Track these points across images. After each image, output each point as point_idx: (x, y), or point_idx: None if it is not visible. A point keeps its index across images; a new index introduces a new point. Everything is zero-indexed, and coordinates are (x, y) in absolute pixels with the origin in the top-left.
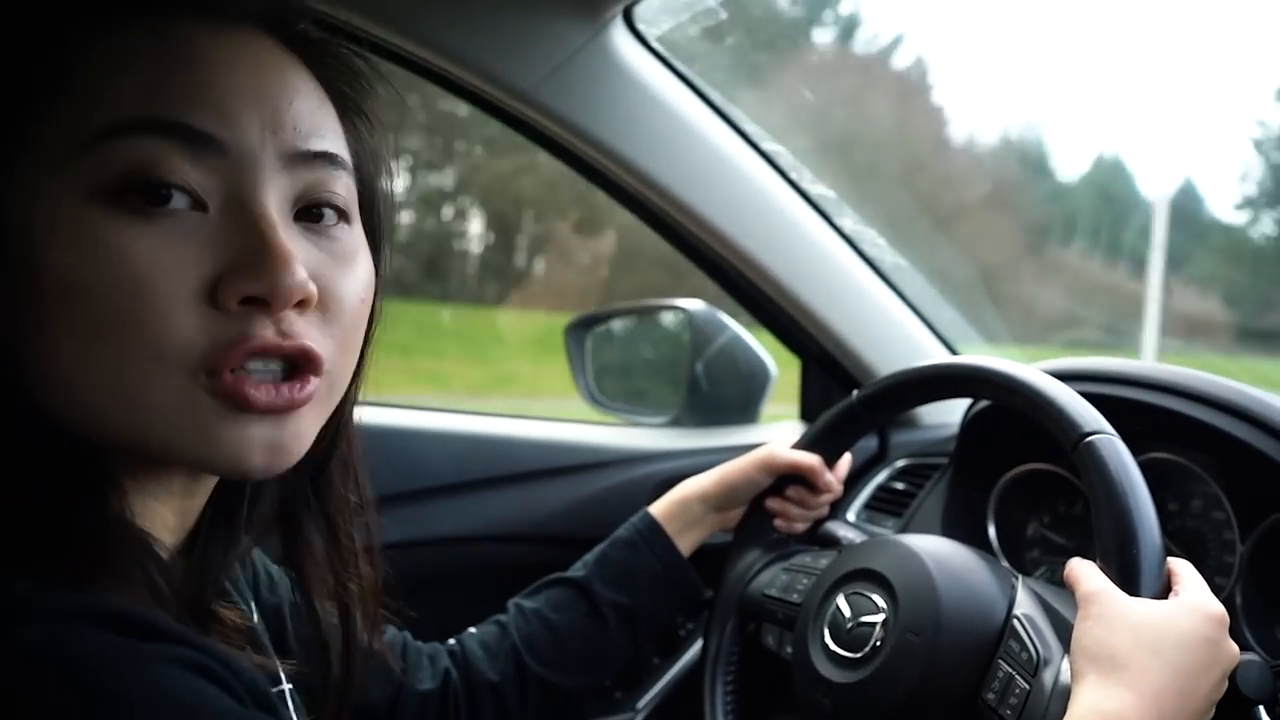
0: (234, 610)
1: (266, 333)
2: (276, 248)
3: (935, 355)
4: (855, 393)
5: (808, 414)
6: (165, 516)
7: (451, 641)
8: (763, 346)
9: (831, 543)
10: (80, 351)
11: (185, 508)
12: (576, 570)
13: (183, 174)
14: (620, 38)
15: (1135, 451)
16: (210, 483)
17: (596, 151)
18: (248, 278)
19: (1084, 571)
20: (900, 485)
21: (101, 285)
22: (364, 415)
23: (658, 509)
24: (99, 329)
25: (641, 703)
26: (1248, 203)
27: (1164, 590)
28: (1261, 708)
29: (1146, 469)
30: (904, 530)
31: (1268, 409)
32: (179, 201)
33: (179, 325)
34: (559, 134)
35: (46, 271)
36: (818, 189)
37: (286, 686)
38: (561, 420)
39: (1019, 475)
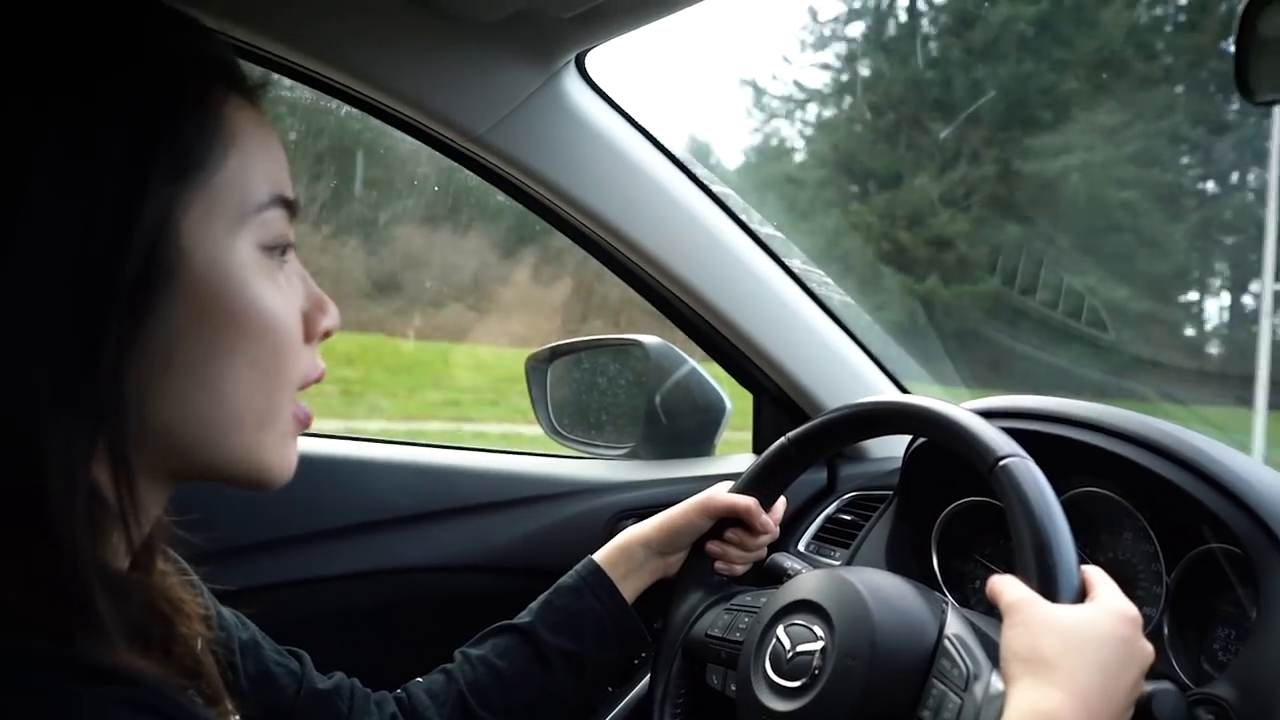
0: (189, 640)
1: (321, 362)
2: (322, 292)
3: (882, 391)
4: (787, 435)
5: (760, 447)
6: (124, 548)
7: (399, 691)
8: (718, 382)
9: (779, 574)
10: (245, 373)
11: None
12: (522, 618)
13: (290, 236)
14: (572, 83)
15: (1065, 485)
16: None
17: (549, 193)
18: (325, 317)
19: (1005, 584)
20: (848, 517)
21: (274, 322)
22: (317, 446)
23: (602, 556)
24: (271, 358)
25: None
26: None
27: (1080, 596)
28: None
29: (1078, 502)
30: (850, 561)
31: (1179, 444)
32: (286, 257)
33: (302, 359)
34: (511, 175)
35: (240, 305)
36: (766, 230)
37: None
38: (520, 452)
39: (960, 508)
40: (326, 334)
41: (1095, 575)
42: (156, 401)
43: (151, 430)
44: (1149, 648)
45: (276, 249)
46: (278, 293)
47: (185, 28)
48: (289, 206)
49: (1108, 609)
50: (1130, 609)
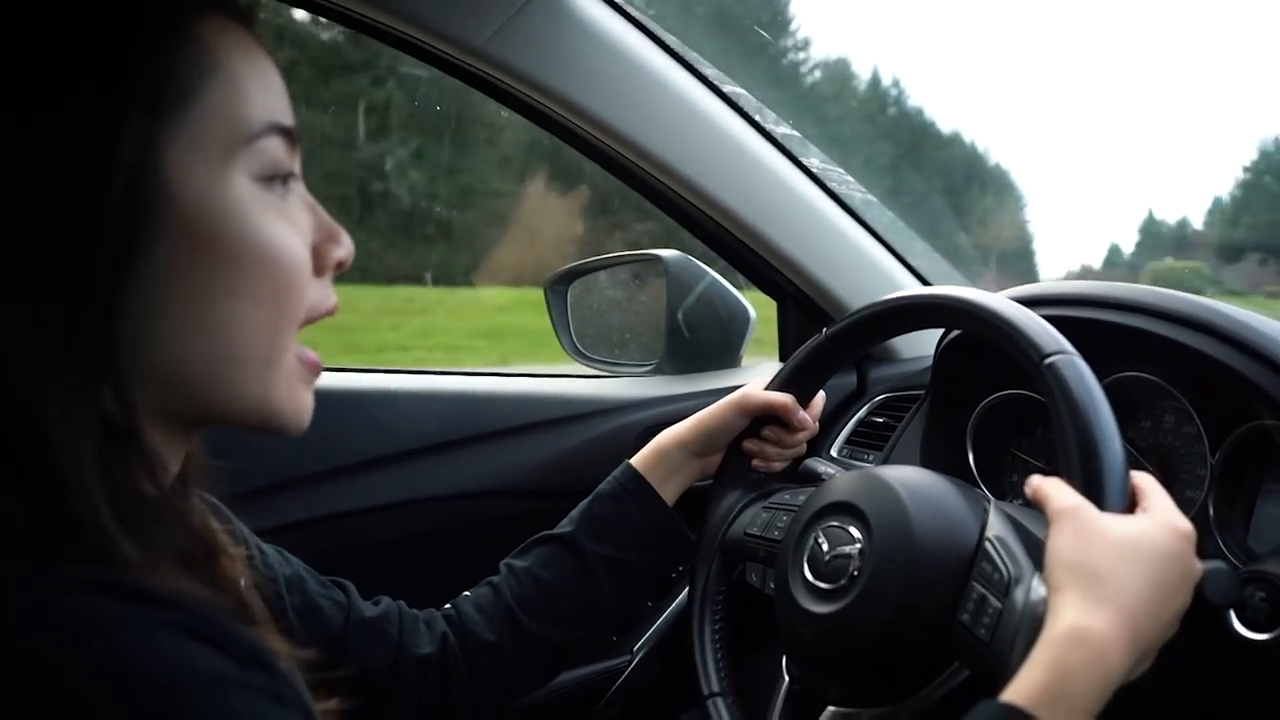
0: (232, 578)
1: (333, 295)
2: (333, 220)
3: (908, 288)
4: (825, 330)
5: (786, 354)
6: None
7: (447, 606)
8: (739, 291)
9: (813, 479)
10: (248, 311)
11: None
12: (563, 527)
13: (291, 166)
14: None
15: (1105, 371)
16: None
17: (554, 103)
18: (337, 248)
19: (1052, 489)
20: (880, 419)
21: (277, 256)
22: (342, 380)
23: (639, 460)
24: (275, 294)
25: (637, 645)
26: None
27: (1130, 505)
28: (1231, 612)
29: (1118, 387)
30: (885, 463)
31: (1226, 320)
32: (289, 187)
33: (311, 292)
34: (514, 87)
35: (237, 240)
36: (782, 129)
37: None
38: (545, 374)
39: (995, 402)
40: (340, 265)
41: (1146, 483)
42: (157, 343)
43: (155, 373)
44: (1198, 564)
45: (276, 179)
46: (280, 225)
47: None
48: (287, 134)
49: (1162, 522)
50: (1185, 524)
